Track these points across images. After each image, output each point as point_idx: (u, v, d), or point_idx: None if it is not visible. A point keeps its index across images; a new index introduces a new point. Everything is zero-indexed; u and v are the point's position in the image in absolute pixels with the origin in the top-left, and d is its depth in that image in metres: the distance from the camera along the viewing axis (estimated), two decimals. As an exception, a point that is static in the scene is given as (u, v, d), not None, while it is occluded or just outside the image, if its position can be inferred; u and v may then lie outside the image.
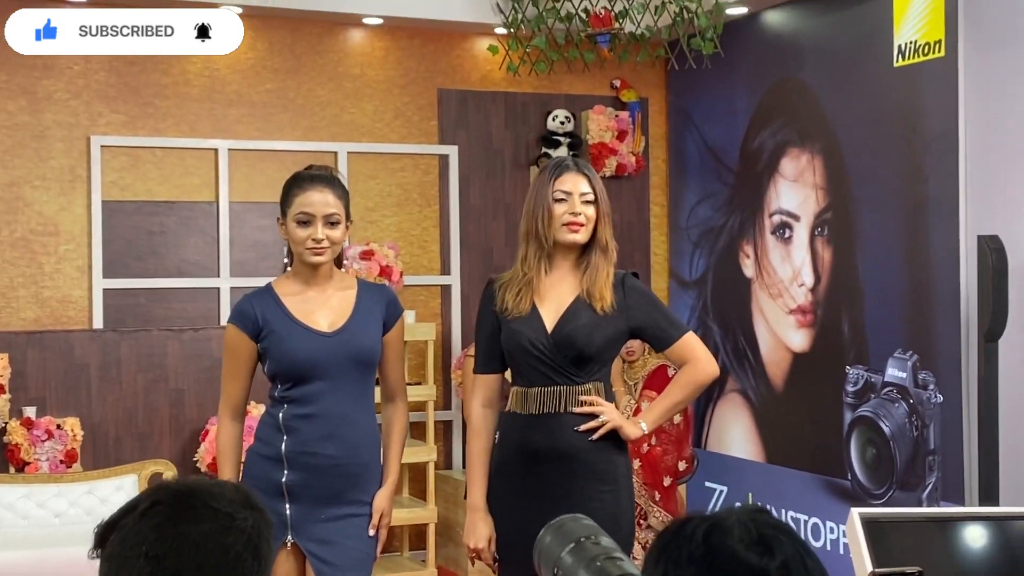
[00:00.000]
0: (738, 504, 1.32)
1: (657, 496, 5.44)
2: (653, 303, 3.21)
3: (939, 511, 3.87)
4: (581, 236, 3.09)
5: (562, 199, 3.08)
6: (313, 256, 3.23)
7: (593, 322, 3.08)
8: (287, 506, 3.18)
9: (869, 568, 3.21)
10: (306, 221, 3.22)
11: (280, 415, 3.22)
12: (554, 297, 3.13)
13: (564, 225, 3.07)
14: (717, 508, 6.27)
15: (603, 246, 3.12)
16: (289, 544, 3.19)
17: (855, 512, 3.33)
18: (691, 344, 3.18)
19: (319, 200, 3.22)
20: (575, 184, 3.09)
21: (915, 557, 3.34)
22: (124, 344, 5.65)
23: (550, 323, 3.09)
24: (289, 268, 3.36)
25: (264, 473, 3.20)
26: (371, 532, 3.26)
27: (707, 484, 6.35)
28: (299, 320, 3.24)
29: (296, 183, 3.29)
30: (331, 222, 3.23)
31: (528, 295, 3.12)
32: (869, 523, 3.45)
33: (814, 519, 5.65)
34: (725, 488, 6.27)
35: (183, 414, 5.71)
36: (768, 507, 1.33)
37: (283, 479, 3.19)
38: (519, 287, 3.13)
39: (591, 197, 3.10)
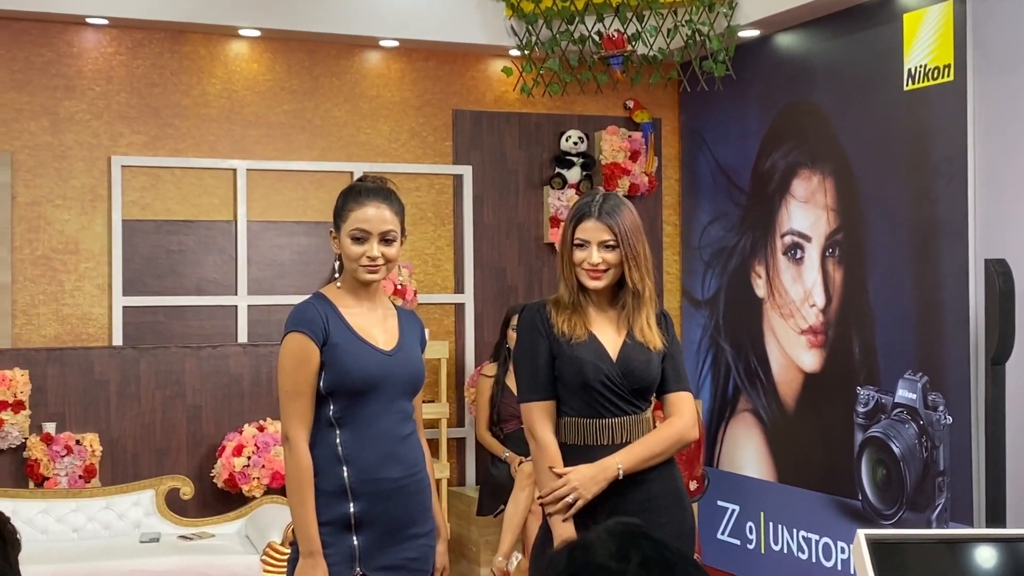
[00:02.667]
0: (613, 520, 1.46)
1: (668, 515, 5.48)
2: (676, 349, 3.22)
3: (944, 532, 3.90)
4: (602, 283, 3.08)
5: (580, 245, 3.09)
6: (367, 274, 3.08)
7: (649, 357, 3.11)
8: (354, 538, 3.05)
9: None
10: (361, 237, 3.06)
11: (337, 442, 3.06)
12: (605, 329, 3.13)
13: (584, 271, 3.08)
14: (729, 527, 6.32)
15: (634, 290, 3.10)
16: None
17: (861, 534, 3.37)
18: (688, 401, 3.19)
19: (375, 216, 3.07)
20: (595, 233, 3.07)
21: (920, 578, 3.38)
22: (143, 361, 5.73)
23: (612, 353, 3.10)
24: (337, 280, 3.18)
25: (327, 507, 3.04)
26: None
27: (719, 503, 6.39)
28: (361, 335, 3.10)
29: (352, 197, 3.12)
30: (387, 239, 3.07)
31: (582, 323, 3.10)
32: (875, 545, 3.50)
33: (825, 539, 5.68)
34: (737, 507, 6.31)
35: (200, 430, 5.78)
36: (636, 523, 1.44)
37: (351, 510, 3.05)
38: (570, 315, 3.11)
39: (613, 243, 3.08)
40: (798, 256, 5.90)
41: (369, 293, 3.17)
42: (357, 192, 3.13)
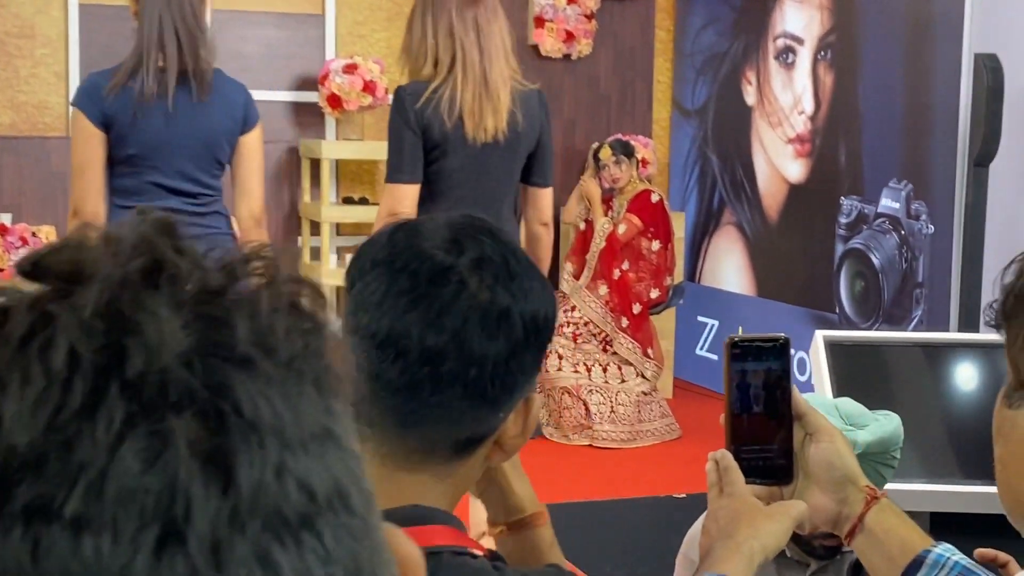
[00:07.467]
0: None
1: (624, 322, 5.32)
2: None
3: (899, 336, 3.74)
4: None
5: None
6: None
7: None
8: None
9: (829, 392, 3.07)
10: None
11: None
12: None
13: None
14: (707, 343, 6.17)
15: None
16: None
17: (819, 335, 3.18)
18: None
19: None
20: None
21: (875, 379, 3.21)
22: (102, 154, 5.53)
23: None
24: None
25: None
26: None
27: (699, 318, 6.22)
28: None
29: None
30: None
31: None
32: (832, 346, 3.30)
33: (800, 353, 5.51)
34: (716, 322, 6.14)
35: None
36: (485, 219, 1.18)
37: None
38: None
39: None
40: (789, 60, 5.60)
41: None
42: None
